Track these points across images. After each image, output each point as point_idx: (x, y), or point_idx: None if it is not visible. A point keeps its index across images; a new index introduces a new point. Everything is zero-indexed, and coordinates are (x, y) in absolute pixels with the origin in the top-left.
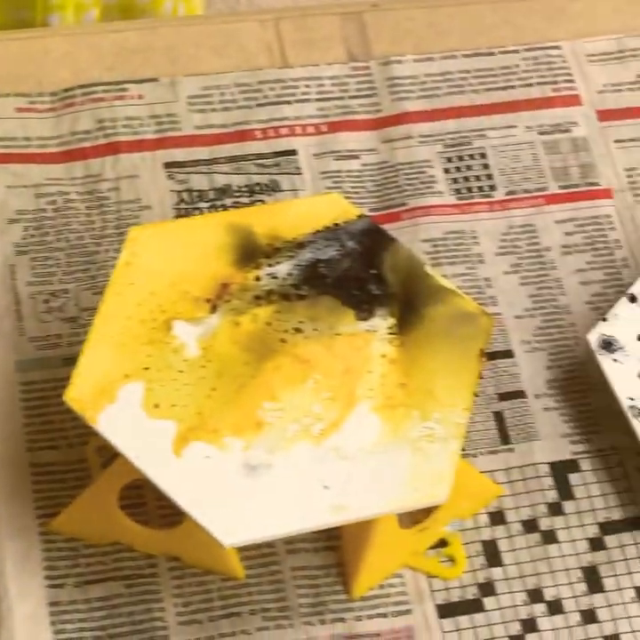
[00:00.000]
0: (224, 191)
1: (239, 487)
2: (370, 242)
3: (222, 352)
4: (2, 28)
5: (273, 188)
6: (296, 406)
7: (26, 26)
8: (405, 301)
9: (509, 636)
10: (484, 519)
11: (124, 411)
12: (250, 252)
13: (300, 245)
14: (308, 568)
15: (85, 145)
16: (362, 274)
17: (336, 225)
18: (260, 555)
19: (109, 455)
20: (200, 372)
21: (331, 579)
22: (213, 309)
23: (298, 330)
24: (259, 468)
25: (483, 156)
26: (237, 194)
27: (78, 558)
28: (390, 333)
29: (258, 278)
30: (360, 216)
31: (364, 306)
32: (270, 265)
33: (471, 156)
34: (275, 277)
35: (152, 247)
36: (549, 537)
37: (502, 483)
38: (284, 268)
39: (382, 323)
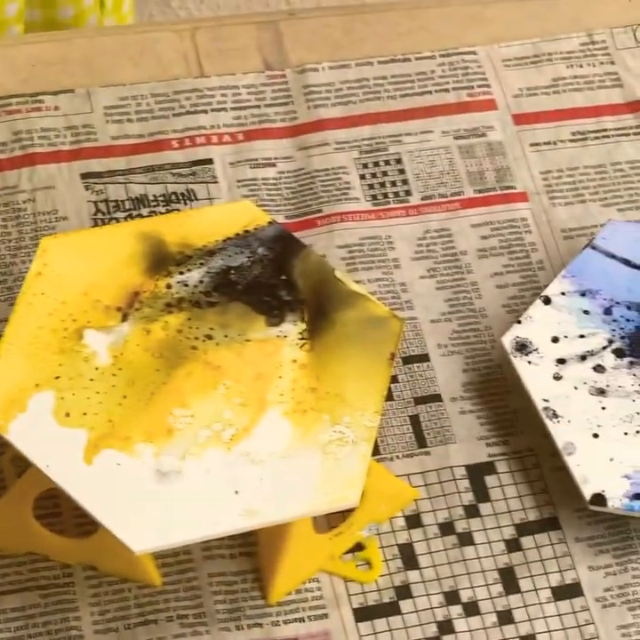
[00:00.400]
0: (140, 201)
1: (150, 494)
2: (280, 248)
3: (133, 360)
4: None
5: (189, 197)
6: (207, 412)
7: None
8: (316, 307)
9: (426, 639)
10: (401, 522)
11: (35, 420)
12: (160, 260)
13: (211, 253)
14: (225, 574)
15: (1, 157)
16: (272, 280)
17: (246, 232)
18: (177, 561)
19: (24, 465)
20: (111, 380)
21: (248, 584)
22: (124, 318)
23: (209, 337)
24: (170, 475)
25: (398, 161)
26: (154, 203)
27: None
28: (301, 338)
29: (169, 286)
30: (271, 222)
31: (274, 312)
32: (181, 272)
33: (387, 162)
34: (185, 285)
35: (63, 257)
36: (466, 539)
37: (418, 486)
38: (194, 275)
39: (293, 328)
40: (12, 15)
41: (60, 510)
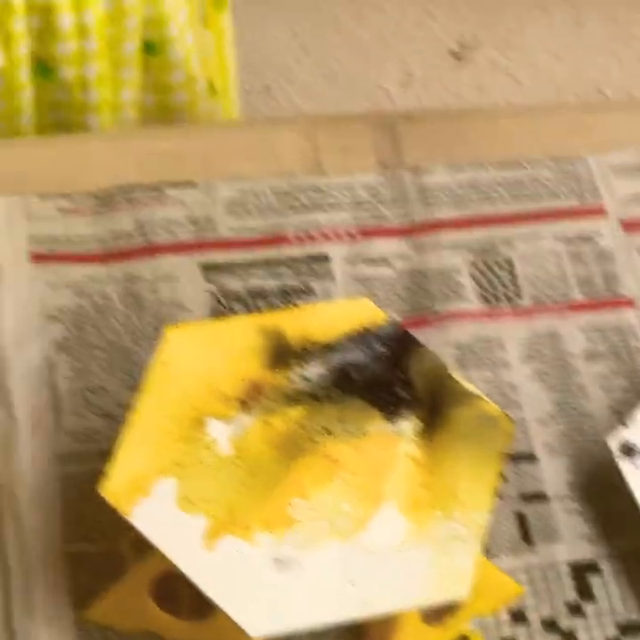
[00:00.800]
0: (258, 294)
1: (268, 581)
2: (397, 346)
3: (254, 450)
4: (40, 128)
5: (306, 292)
6: (325, 504)
7: (63, 126)
8: (431, 404)
9: None
10: (505, 617)
11: (157, 504)
12: (281, 354)
13: (331, 348)
14: None
15: (125, 246)
16: (390, 377)
17: (365, 329)
18: None
19: (143, 547)
20: (232, 468)
21: None
22: (245, 409)
23: (327, 430)
24: (288, 563)
25: (510, 264)
26: (271, 297)
27: None
28: (416, 435)
29: (289, 379)
30: (389, 321)
31: (391, 408)
32: (301, 367)
33: (498, 264)
34: (305, 379)
35: (187, 347)
36: (569, 637)
37: (523, 582)
38: (314, 369)
39: (408, 424)
40: (128, 100)
41: (176, 592)
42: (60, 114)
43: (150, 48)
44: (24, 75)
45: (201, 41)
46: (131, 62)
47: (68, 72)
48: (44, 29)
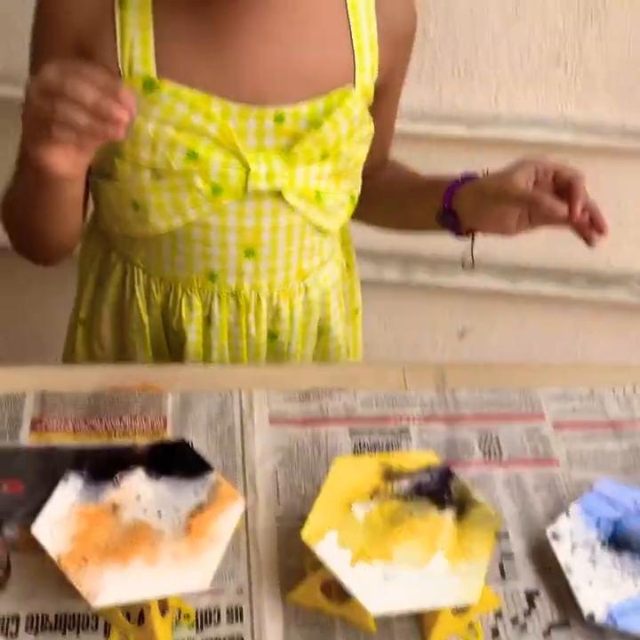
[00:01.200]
0: (376, 445)
1: (379, 586)
2: (444, 474)
3: (374, 520)
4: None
5: (398, 446)
6: (407, 551)
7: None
8: (460, 504)
9: None
10: (491, 614)
11: (327, 543)
12: (388, 474)
13: (412, 473)
14: (405, 630)
15: (313, 417)
16: (440, 489)
17: (429, 465)
18: (382, 619)
19: (317, 565)
20: (363, 528)
21: (416, 637)
22: (371, 499)
23: (410, 513)
24: (389, 578)
25: (497, 439)
26: (382, 447)
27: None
28: (453, 519)
29: (391, 487)
30: (441, 462)
31: (441, 504)
32: (398, 482)
33: (491, 438)
34: (400, 487)
35: (344, 467)
36: (524, 628)
37: (501, 597)
38: (404, 484)
39: (450, 514)
40: (308, 354)
41: (332, 589)
42: (279, 360)
43: (321, 331)
44: (262, 340)
45: (345, 327)
46: (312, 336)
47: (283, 338)
48: (275, 319)
